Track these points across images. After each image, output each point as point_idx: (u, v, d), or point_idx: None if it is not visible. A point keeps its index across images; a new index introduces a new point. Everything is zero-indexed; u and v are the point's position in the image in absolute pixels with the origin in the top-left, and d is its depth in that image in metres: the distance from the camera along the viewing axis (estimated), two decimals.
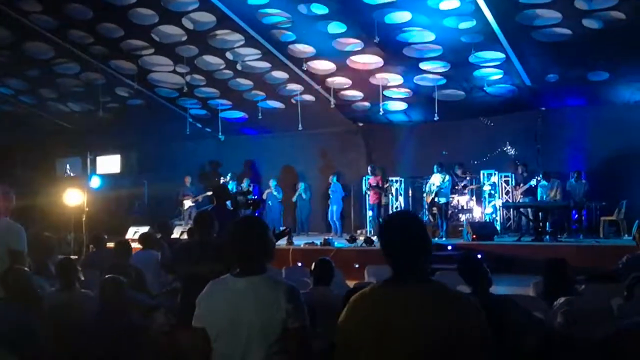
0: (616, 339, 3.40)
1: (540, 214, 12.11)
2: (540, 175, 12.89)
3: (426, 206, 14.34)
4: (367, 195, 14.50)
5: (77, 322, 4.06)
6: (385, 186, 14.13)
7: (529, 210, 12.77)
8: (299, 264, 10.29)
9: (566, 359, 2.57)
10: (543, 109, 14.24)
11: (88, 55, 13.77)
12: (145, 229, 11.55)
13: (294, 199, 16.04)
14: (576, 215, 13.07)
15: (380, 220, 13.78)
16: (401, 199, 15.19)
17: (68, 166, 17.49)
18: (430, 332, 2.11)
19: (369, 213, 14.53)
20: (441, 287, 2.23)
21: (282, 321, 2.58)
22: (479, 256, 8.51)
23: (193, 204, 15.54)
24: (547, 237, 11.87)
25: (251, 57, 13.37)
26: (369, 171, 14.31)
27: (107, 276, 4.15)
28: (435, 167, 13.28)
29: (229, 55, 13.30)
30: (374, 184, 14.09)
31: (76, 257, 9.14)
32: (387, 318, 2.17)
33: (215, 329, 2.66)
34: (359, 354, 2.21)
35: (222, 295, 2.69)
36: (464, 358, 2.11)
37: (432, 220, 14.06)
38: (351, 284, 6.74)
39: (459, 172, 14.27)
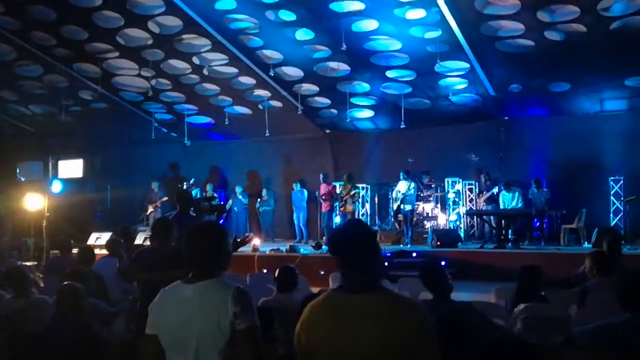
0: (566, 346, 3.47)
1: (502, 221, 12.31)
2: (502, 185, 13.10)
3: (392, 213, 14.44)
4: (320, 204, 14.41)
5: (33, 329, 3.97)
6: (344, 194, 13.91)
7: (492, 217, 12.96)
8: (264, 271, 10.25)
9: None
10: (506, 118, 14.52)
11: (51, 57, 13.52)
12: (107, 234, 11.38)
13: (257, 205, 15.97)
14: (538, 223, 13.35)
15: (325, 229, 13.85)
16: (367, 205, 15.28)
17: (18, 170, 17.05)
18: (378, 340, 2.12)
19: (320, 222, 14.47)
20: (390, 295, 2.26)
21: (230, 324, 2.54)
22: (443, 263, 8.63)
23: (153, 210, 15.35)
24: (510, 244, 12.06)
25: (218, 62, 13.30)
26: (321, 179, 14.27)
27: (64, 283, 4.07)
28: (401, 174, 13.38)
29: (195, 59, 13.21)
30: (324, 192, 14.07)
31: (36, 262, 8.94)
32: (337, 326, 2.19)
33: (167, 337, 2.62)
34: (311, 356, 2.23)
35: (172, 302, 2.66)
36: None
37: (397, 227, 14.16)
38: (316, 290, 6.74)
39: (425, 180, 14.40)
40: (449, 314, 3.40)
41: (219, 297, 2.58)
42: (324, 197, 13.99)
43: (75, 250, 7.41)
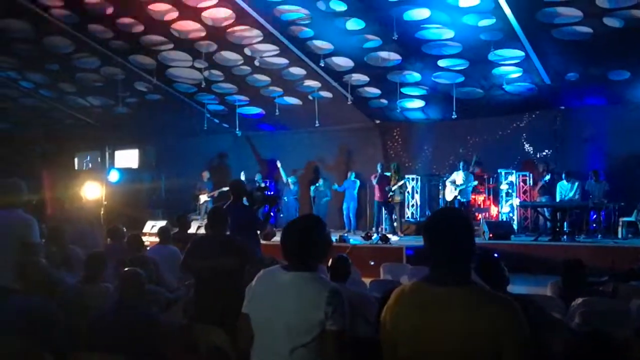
0: (634, 340, 3.37)
1: (558, 213, 12.02)
2: (563, 174, 12.78)
3: (442, 204, 14.28)
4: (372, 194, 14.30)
5: (96, 314, 4.11)
6: (392, 185, 13.82)
7: (547, 209, 12.67)
8: None
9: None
10: (562, 108, 14.15)
11: (108, 49, 13.86)
12: (162, 223, 11.63)
13: (312, 193, 16.00)
14: (594, 216, 12.97)
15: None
16: (417, 196, 15.16)
17: (89, 158, 17.66)
18: (464, 334, 2.10)
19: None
20: (481, 290, 2.21)
21: (320, 322, 2.58)
22: (496, 255, 8.50)
23: (209, 199, 15.61)
24: (565, 237, 11.78)
25: (269, 53, 13.38)
26: (379, 169, 14.08)
27: (127, 269, 4.19)
28: (460, 164, 13.22)
29: (247, 51, 13.33)
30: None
31: None
32: (424, 317, 2.17)
33: (257, 317, 2.71)
34: (398, 348, 2.23)
35: (268, 286, 2.74)
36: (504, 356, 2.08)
37: None
38: (367, 281, 6.75)
39: (476, 170, 14.20)
40: None
41: (316, 293, 2.63)
42: (379, 187, 13.90)
43: None
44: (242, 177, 15.04)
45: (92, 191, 12.54)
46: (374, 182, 14.03)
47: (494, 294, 2.23)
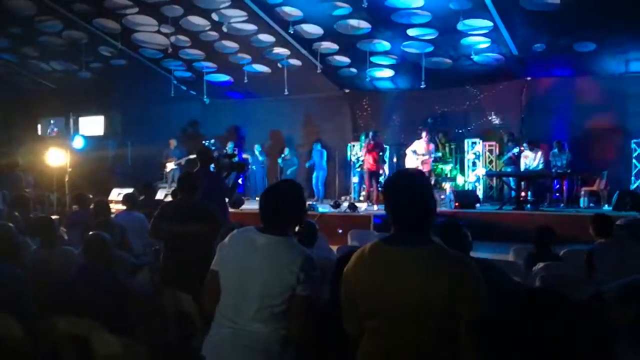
0: (594, 302, 3.48)
1: (522, 183, 12.24)
2: (525, 145, 12.98)
3: None
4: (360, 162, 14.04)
5: (59, 279, 4.08)
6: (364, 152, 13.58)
7: (511, 179, 12.89)
8: None
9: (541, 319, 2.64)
10: (529, 78, 14.29)
11: (71, 13, 13.48)
12: (128, 190, 11.50)
13: (280, 163, 15.99)
14: (558, 185, 13.24)
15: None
16: (386, 166, 15.23)
17: (52, 123, 17.30)
18: (424, 292, 2.14)
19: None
20: (442, 248, 2.26)
21: (291, 286, 2.62)
22: (460, 224, 8.63)
23: (176, 167, 15.47)
24: (529, 206, 12.02)
25: (237, 18, 13.17)
26: (371, 137, 13.53)
27: (91, 233, 4.15)
28: (422, 133, 13.28)
29: (214, 16, 13.10)
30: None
31: (58, 216, 9.10)
32: (384, 276, 2.21)
33: (228, 276, 2.72)
34: (359, 305, 2.27)
35: (241, 245, 2.75)
36: (461, 316, 2.14)
37: None
38: (334, 248, 6.82)
39: (442, 140, 14.32)
40: None
41: (290, 258, 2.65)
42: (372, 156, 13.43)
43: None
44: (212, 145, 14.92)
45: (56, 158, 12.28)
46: (363, 151, 13.34)
47: (452, 252, 2.27)
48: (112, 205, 8.82)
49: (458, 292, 2.13)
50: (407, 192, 2.26)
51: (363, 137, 13.96)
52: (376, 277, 2.22)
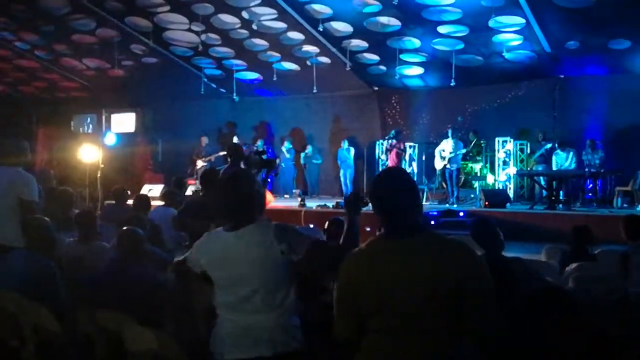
0: (619, 305, 3.42)
1: (554, 182, 12.04)
2: (556, 144, 12.78)
3: (439, 172, 14.29)
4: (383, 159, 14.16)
5: (94, 273, 4.14)
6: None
7: (543, 178, 12.70)
8: (311, 226, 10.35)
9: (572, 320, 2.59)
10: (562, 76, 14.06)
11: (104, 11, 13.68)
12: (159, 186, 11.63)
13: (302, 161, 16.06)
14: (590, 185, 13.00)
15: None
16: (414, 164, 15.16)
17: (88, 120, 17.60)
18: (428, 280, 2.13)
19: None
20: (436, 235, 2.28)
21: (283, 260, 2.64)
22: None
23: (206, 163, 15.60)
24: (560, 205, 11.83)
25: (267, 16, 13.22)
26: (393, 136, 13.80)
27: (125, 227, 4.21)
28: (449, 132, 13.17)
29: (244, 14, 13.17)
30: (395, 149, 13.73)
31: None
32: (388, 267, 2.20)
33: (217, 275, 2.76)
34: (361, 303, 2.26)
35: (215, 245, 2.77)
36: (466, 302, 2.13)
37: (443, 186, 14.03)
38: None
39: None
40: (501, 268, 3.39)
41: (262, 237, 2.67)
42: (395, 155, 13.68)
43: (130, 201, 7.63)
44: (235, 141, 14.98)
45: (89, 154, 12.49)
46: (386, 148, 13.80)
47: (451, 239, 2.28)
48: None
49: (466, 279, 2.13)
50: (390, 188, 2.29)
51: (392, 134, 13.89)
52: (379, 271, 2.22)
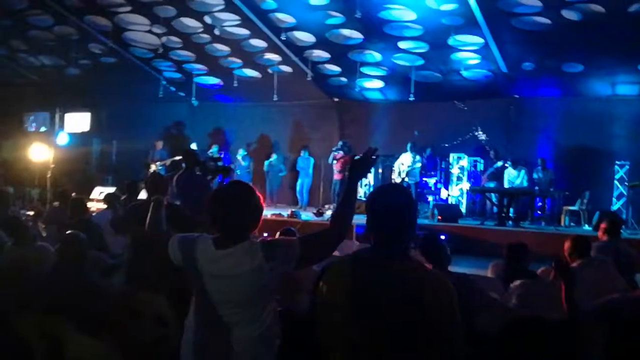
0: (567, 322, 3.49)
1: (505, 199, 12.30)
2: (509, 162, 13.06)
3: None
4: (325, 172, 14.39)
5: (33, 275, 4.03)
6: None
7: (494, 195, 12.96)
8: (265, 235, 10.27)
9: (517, 339, 2.64)
10: (517, 96, 14.40)
11: (63, 8, 13.40)
12: (111, 189, 11.43)
13: (265, 168, 16.01)
14: (540, 203, 13.34)
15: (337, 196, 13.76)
16: (371, 176, 15.26)
17: (39, 119, 17.14)
18: (405, 306, 2.13)
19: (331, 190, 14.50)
20: (420, 265, 2.27)
21: (269, 276, 2.58)
22: (443, 237, 8.67)
23: (160, 167, 15.37)
24: (510, 222, 12.08)
25: (230, 22, 13.16)
26: (340, 147, 14.18)
27: (68, 232, 4.11)
28: (408, 146, 13.32)
29: (207, 19, 13.08)
30: (341, 161, 13.97)
31: (33, 212, 9.04)
32: (365, 288, 2.19)
33: (197, 288, 2.68)
34: (335, 319, 2.24)
35: (203, 255, 2.65)
36: (434, 333, 2.13)
37: None
38: None
39: (428, 153, 14.38)
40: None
41: (251, 255, 2.57)
42: (340, 166, 13.88)
43: None
44: (194, 147, 14.84)
45: (40, 153, 12.19)
46: (333, 161, 14.05)
47: (432, 271, 2.29)
48: (93, 204, 8.77)
49: (438, 312, 2.12)
50: (388, 207, 2.26)
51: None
52: (355, 291, 2.20)
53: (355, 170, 2.69)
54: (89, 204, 7.52)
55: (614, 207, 13.02)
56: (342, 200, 2.67)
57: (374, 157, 2.67)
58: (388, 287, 2.15)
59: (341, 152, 14.03)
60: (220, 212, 2.65)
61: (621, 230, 6.76)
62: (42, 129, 17.21)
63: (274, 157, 15.99)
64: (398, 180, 13.45)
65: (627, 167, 13.07)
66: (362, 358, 2.18)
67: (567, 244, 5.32)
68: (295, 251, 2.59)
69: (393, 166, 14.63)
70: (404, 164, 13.32)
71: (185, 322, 2.75)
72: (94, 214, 7.04)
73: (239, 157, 15.99)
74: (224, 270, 2.58)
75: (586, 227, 12.06)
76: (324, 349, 2.34)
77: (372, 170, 14.86)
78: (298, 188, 15.48)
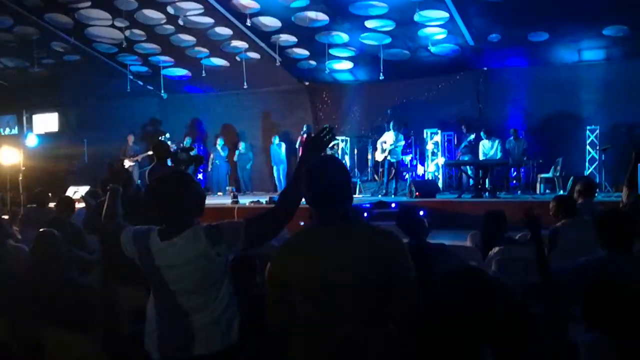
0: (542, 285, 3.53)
1: (480, 171, 12.39)
2: (482, 133, 13.15)
3: (371, 165, 14.45)
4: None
5: (8, 276, 3.96)
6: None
7: (470, 167, 13.05)
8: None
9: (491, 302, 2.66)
10: (485, 69, 14.50)
11: (21, 7, 13.10)
12: (85, 188, 11.27)
13: (235, 158, 15.97)
14: (515, 173, 13.49)
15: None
16: (347, 157, 15.30)
17: (7, 121, 16.82)
18: (358, 269, 2.16)
19: None
20: (367, 225, 2.33)
21: (218, 261, 2.58)
22: (422, 213, 8.71)
23: (133, 163, 15.21)
24: (487, 193, 12.19)
25: (193, 11, 13.00)
26: (305, 129, 14.13)
27: (42, 230, 4.05)
28: (390, 124, 13.27)
29: (170, 9, 12.89)
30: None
31: (7, 216, 8.89)
32: (315, 259, 2.21)
33: (151, 280, 2.67)
34: (293, 292, 2.25)
35: (152, 246, 2.63)
36: (392, 290, 2.18)
37: (376, 178, 14.20)
38: None
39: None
40: (425, 253, 3.46)
41: (195, 242, 2.57)
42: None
43: (52, 204, 7.37)
44: (167, 138, 14.69)
45: (9, 157, 11.96)
46: (300, 145, 14.06)
47: (381, 229, 2.32)
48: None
49: (394, 268, 2.19)
50: (326, 175, 2.29)
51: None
52: (311, 257, 2.23)
53: (308, 149, 2.69)
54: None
55: (587, 172, 13.22)
56: (293, 177, 2.68)
57: (328, 136, 2.67)
58: (345, 250, 2.19)
59: (306, 136, 13.96)
60: (156, 205, 2.65)
61: (595, 193, 6.85)
62: (10, 131, 16.89)
63: (242, 145, 15.94)
64: (380, 159, 13.35)
65: (598, 131, 13.26)
66: (321, 327, 2.20)
67: (552, 204, 5.38)
68: (241, 233, 2.58)
69: (368, 145, 14.68)
70: (387, 142, 13.31)
71: (147, 314, 2.72)
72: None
73: (219, 147, 15.89)
74: (172, 260, 2.57)
75: (561, 193, 12.21)
76: (280, 333, 2.35)
77: (347, 150, 14.91)
78: (276, 174, 15.47)
